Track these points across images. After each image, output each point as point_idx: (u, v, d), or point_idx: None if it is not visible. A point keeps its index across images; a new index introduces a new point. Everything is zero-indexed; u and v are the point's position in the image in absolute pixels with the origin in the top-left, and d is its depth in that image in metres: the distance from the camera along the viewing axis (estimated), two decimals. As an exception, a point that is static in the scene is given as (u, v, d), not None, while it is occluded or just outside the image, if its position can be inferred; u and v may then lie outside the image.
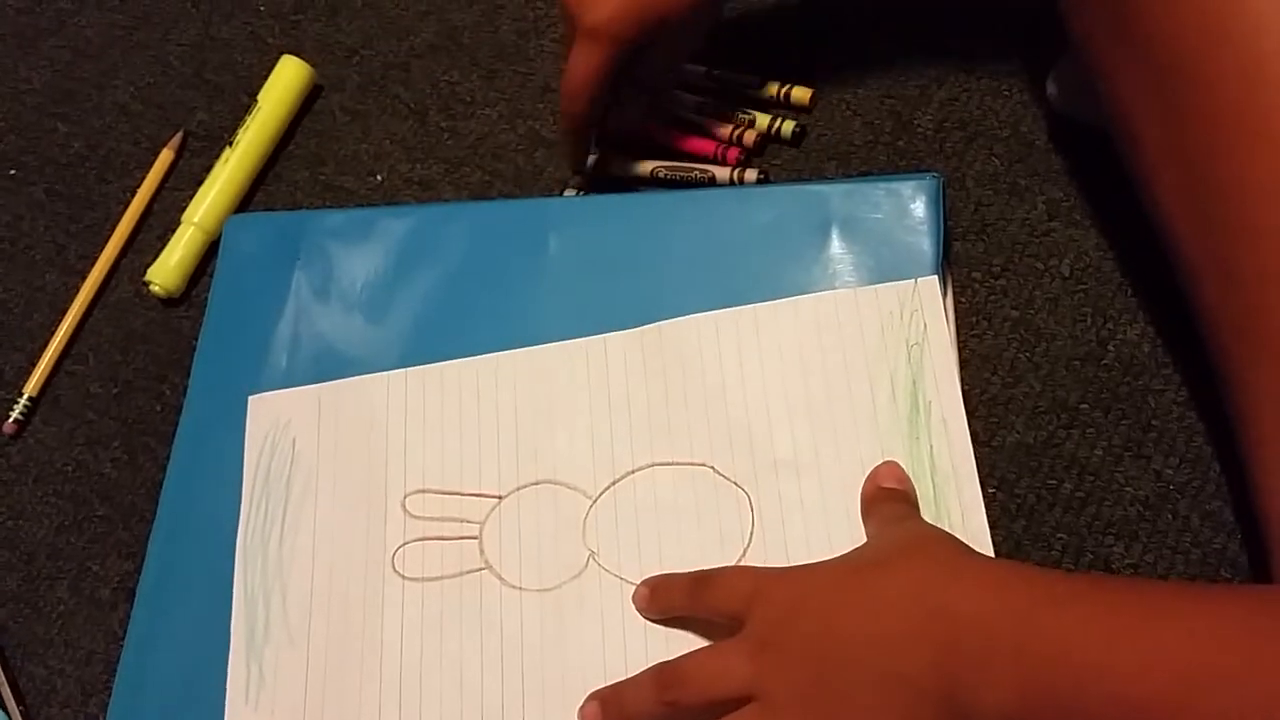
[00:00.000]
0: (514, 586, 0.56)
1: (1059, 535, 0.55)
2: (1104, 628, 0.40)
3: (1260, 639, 0.37)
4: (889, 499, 0.53)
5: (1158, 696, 0.38)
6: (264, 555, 0.59)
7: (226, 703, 0.56)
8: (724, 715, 0.48)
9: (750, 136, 0.66)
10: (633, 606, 0.54)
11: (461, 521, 0.58)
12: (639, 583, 0.54)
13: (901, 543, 0.50)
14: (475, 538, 0.57)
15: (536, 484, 0.58)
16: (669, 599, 0.53)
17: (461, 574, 0.56)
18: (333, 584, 0.57)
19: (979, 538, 0.52)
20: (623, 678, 0.52)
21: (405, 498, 0.59)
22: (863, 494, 0.54)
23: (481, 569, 0.56)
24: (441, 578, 0.57)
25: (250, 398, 0.63)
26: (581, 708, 0.52)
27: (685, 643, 0.52)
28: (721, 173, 0.66)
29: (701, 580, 0.53)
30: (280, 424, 0.62)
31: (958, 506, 0.53)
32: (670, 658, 0.52)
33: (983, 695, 0.41)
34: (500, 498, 0.58)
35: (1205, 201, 0.47)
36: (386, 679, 0.55)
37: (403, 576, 0.57)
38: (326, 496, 0.60)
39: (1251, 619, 0.38)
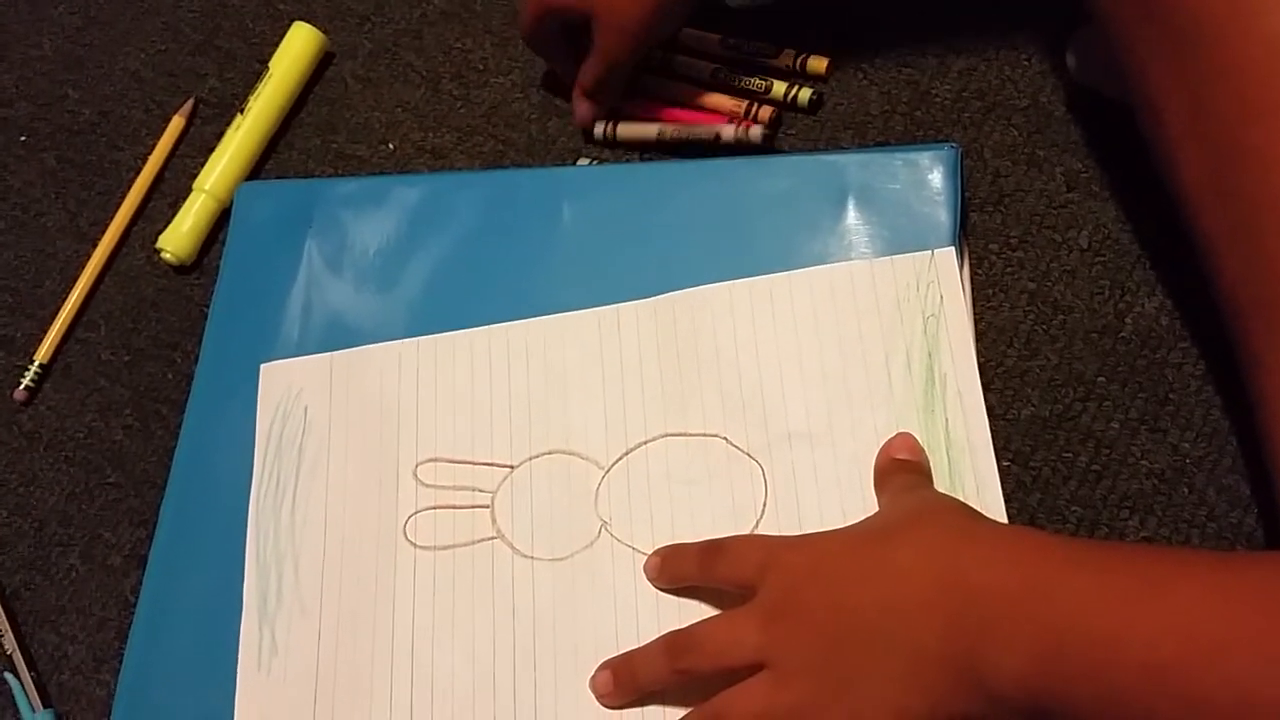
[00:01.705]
0: (525, 555, 0.56)
1: (1074, 508, 0.54)
2: (1119, 592, 0.40)
3: (1277, 603, 0.37)
4: (901, 470, 0.53)
5: (1174, 661, 0.38)
6: (276, 523, 0.59)
7: (239, 670, 0.56)
8: (735, 683, 0.48)
9: (765, 113, 0.66)
10: (644, 576, 0.54)
11: (473, 490, 0.58)
12: (651, 552, 0.54)
13: (913, 511, 0.50)
14: (487, 506, 0.57)
15: (549, 453, 0.58)
16: (680, 568, 0.53)
17: (473, 543, 0.56)
18: (344, 552, 0.57)
19: (994, 510, 0.52)
20: (634, 647, 0.52)
21: (417, 466, 0.59)
22: (876, 465, 0.54)
23: (493, 538, 0.56)
24: (453, 546, 0.57)
25: (262, 366, 0.63)
26: (593, 677, 0.52)
27: (697, 612, 0.52)
28: (727, 130, 0.65)
29: (712, 549, 0.52)
30: (292, 392, 0.62)
31: (973, 479, 0.53)
32: (683, 625, 0.52)
33: (997, 661, 0.41)
34: (512, 467, 0.58)
35: (1227, 176, 0.47)
36: (398, 646, 0.55)
37: (414, 545, 0.57)
38: (338, 464, 0.60)
39: (1268, 582, 0.38)
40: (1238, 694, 0.36)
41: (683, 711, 0.50)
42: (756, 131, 0.64)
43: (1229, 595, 0.38)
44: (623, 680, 0.51)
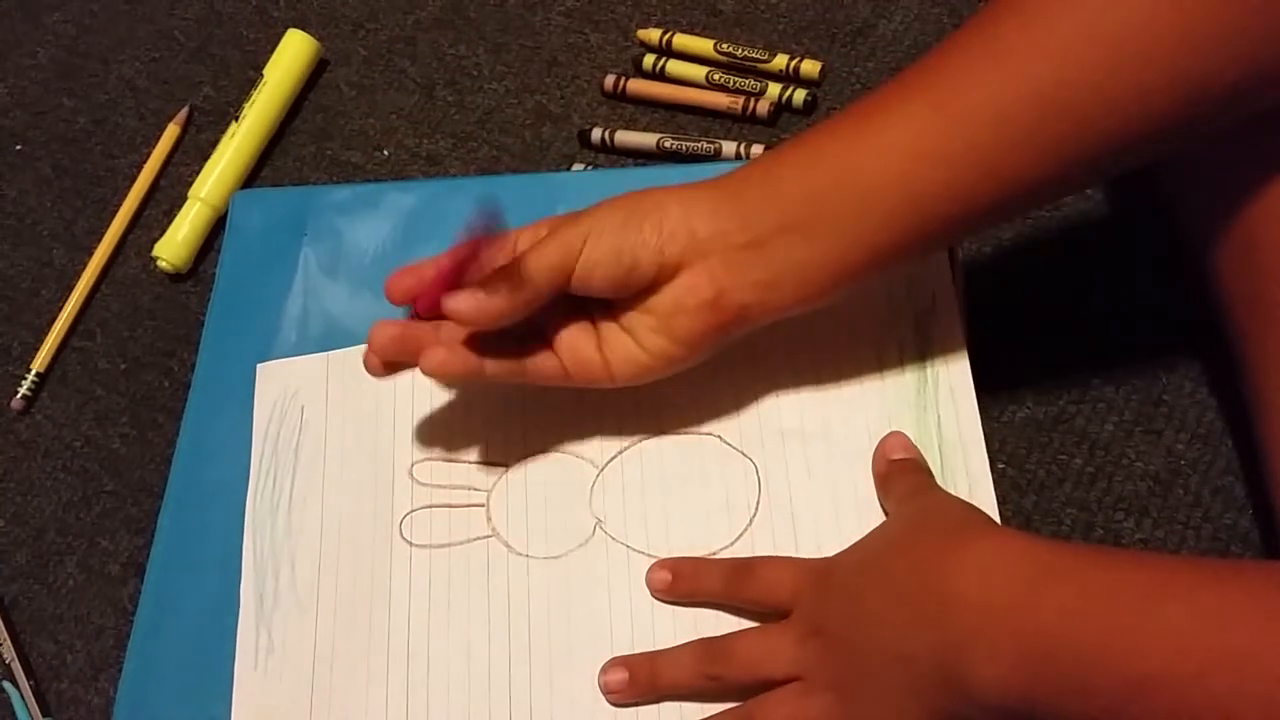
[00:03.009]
0: (521, 554, 0.56)
1: (1069, 510, 0.54)
2: (1105, 604, 0.40)
3: (1265, 618, 0.37)
4: (903, 472, 0.52)
5: (1159, 676, 0.37)
6: (273, 522, 0.59)
7: (235, 669, 0.56)
8: (766, 693, 0.48)
9: (763, 106, 0.66)
10: (639, 574, 0.54)
11: (469, 489, 0.58)
12: (653, 564, 0.54)
13: (912, 519, 0.50)
14: (483, 505, 0.57)
15: (544, 452, 0.58)
16: (701, 585, 0.53)
17: (468, 541, 0.56)
18: (341, 551, 0.57)
19: (986, 508, 0.52)
20: (630, 645, 0.52)
21: (413, 465, 0.59)
22: (875, 470, 0.53)
23: (489, 536, 0.56)
24: (449, 545, 0.57)
25: (259, 365, 0.63)
26: (605, 674, 0.52)
27: (692, 611, 0.53)
28: (728, 146, 0.65)
29: (742, 570, 0.52)
30: (289, 391, 0.62)
31: (965, 477, 0.53)
32: (678, 624, 0.52)
33: (984, 673, 0.41)
34: (507, 466, 0.58)
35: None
36: (394, 644, 0.55)
37: (410, 543, 0.57)
38: (335, 464, 0.60)
39: (1257, 596, 0.38)
40: (1221, 709, 0.36)
41: (681, 713, 0.51)
42: (758, 150, 0.65)
43: (1214, 610, 0.38)
44: (640, 679, 0.51)
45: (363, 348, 0.62)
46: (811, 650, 0.48)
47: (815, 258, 0.48)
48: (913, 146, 0.46)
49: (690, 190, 0.50)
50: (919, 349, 0.56)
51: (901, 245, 0.47)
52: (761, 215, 0.48)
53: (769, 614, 0.51)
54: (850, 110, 0.48)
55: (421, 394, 0.60)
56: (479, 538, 0.56)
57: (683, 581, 0.53)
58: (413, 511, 0.58)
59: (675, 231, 0.49)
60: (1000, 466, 0.55)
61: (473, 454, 0.58)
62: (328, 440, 0.60)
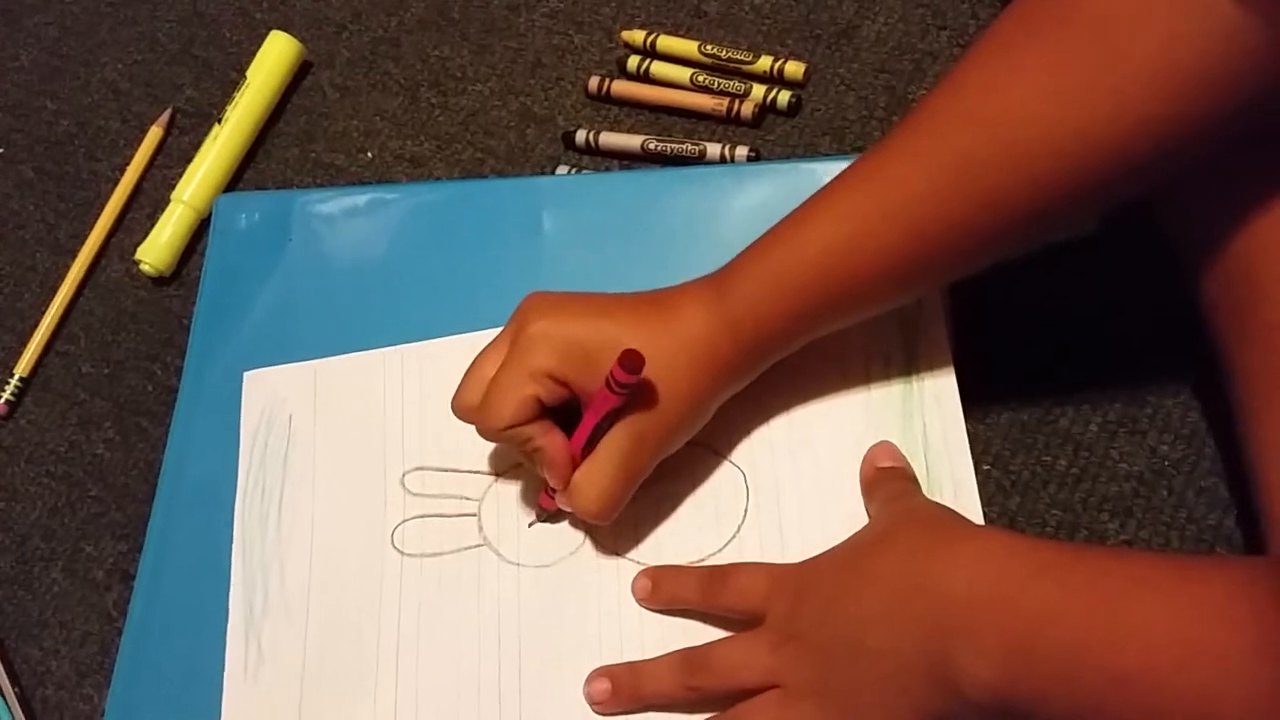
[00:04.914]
0: (512, 562, 0.56)
1: (1054, 511, 0.55)
2: (1084, 599, 0.40)
3: (1243, 612, 0.37)
4: (888, 479, 0.53)
5: (1138, 670, 0.38)
6: (262, 532, 0.59)
7: (225, 677, 0.56)
8: (743, 702, 0.49)
9: (748, 108, 0.66)
10: (629, 582, 0.54)
11: (460, 499, 0.58)
12: (638, 572, 0.54)
13: (894, 520, 0.50)
14: (474, 515, 0.57)
15: None
16: (678, 592, 0.53)
17: (459, 550, 0.57)
18: (331, 560, 0.57)
19: (971, 514, 0.52)
20: (619, 653, 0.53)
21: (404, 475, 0.59)
22: (862, 476, 0.54)
23: (480, 545, 0.57)
24: (440, 554, 0.57)
25: (245, 374, 0.63)
26: (588, 683, 0.52)
27: (681, 620, 0.53)
28: (713, 148, 0.65)
29: (716, 577, 0.52)
30: (277, 400, 0.62)
31: (950, 484, 0.53)
32: (666, 633, 0.52)
33: (967, 667, 0.42)
34: (498, 475, 0.58)
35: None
36: (384, 653, 0.55)
37: (401, 553, 0.57)
38: (325, 473, 0.60)
39: (1235, 591, 0.38)
40: (1200, 704, 0.37)
41: (665, 720, 0.51)
42: (742, 152, 0.65)
43: (1192, 605, 0.38)
44: (623, 690, 0.51)
45: (351, 356, 0.62)
46: (786, 657, 0.48)
47: None
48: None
49: None
50: (905, 357, 0.56)
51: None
52: None
53: (747, 621, 0.51)
54: None
55: (412, 403, 0.60)
56: (470, 546, 0.57)
57: (661, 589, 0.53)
58: (405, 521, 0.58)
59: None
60: (985, 468, 0.56)
61: (463, 463, 0.58)
62: (317, 450, 0.60)
